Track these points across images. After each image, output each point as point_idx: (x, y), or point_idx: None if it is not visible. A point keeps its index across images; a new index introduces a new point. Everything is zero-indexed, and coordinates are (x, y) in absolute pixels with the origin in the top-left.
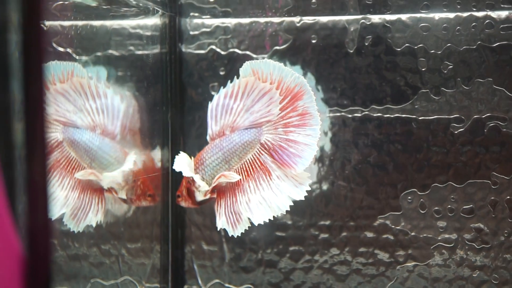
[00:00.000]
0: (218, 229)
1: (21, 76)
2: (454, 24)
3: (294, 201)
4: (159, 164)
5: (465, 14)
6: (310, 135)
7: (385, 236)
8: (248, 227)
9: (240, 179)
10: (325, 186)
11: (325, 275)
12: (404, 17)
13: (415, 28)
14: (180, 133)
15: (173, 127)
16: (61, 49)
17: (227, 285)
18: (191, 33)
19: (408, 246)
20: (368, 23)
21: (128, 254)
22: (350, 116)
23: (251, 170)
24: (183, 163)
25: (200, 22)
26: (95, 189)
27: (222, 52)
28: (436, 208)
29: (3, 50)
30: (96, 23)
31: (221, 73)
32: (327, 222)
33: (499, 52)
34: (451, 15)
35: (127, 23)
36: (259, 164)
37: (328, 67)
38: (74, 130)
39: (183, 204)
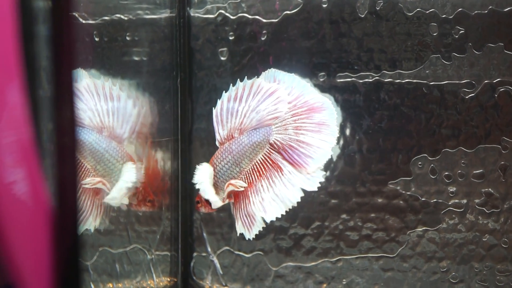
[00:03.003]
0: (238, 234)
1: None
2: None
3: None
4: (162, 163)
5: None
6: (325, 140)
7: (395, 201)
8: (263, 227)
9: (252, 180)
10: (335, 153)
11: (335, 241)
12: None
13: None
14: (188, 99)
15: (182, 92)
16: None
17: (236, 252)
18: None
19: (419, 211)
20: None
21: (137, 222)
22: (361, 81)
23: (263, 169)
24: (203, 177)
25: None
26: (97, 192)
27: (232, 17)
28: (446, 173)
29: (33, 44)
30: None
31: (230, 38)
32: (338, 188)
33: (511, 17)
34: None
35: None
36: (270, 162)
37: (339, 32)
38: (80, 130)
39: (203, 210)
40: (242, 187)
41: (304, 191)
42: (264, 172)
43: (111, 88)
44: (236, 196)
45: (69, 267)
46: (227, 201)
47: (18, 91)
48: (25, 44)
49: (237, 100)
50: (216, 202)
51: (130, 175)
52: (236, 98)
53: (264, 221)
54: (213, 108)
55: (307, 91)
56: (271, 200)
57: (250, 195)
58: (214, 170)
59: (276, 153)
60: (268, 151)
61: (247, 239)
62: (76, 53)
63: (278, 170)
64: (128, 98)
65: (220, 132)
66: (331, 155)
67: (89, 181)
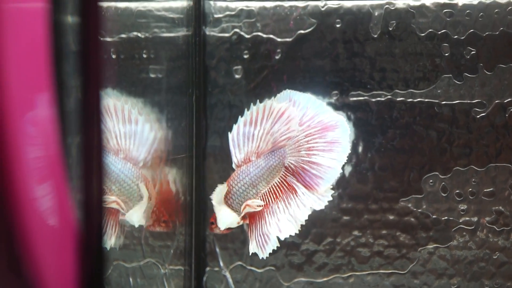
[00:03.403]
0: (250, 254)
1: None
2: (477, 10)
3: None
4: (177, 180)
5: (488, 1)
6: (335, 159)
7: (406, 218)
8: (277, 247)
9: (268, 201)
10: (347, 169)
11: (347, 257)
12: (428, 2)
13: (438, 13)
14: (203, 116)
15: (197, 109)
16: None
17: (249, 267)
18: (215, 16)
19: (430, 228)
20: (392, 8)
21: (151, 237)
22: (373, 100)
23: (279, 192)
24: (221, 199)
25: (224, 5)
26: (112, 212)
27: (246, 36)
28: (457, 191)
29: (63, 60)
30: (121, 4)
31: (245, 56)
32: (349, 205)
33: None
34: (475, 1)
35: (152, 5)
36: (286, 185)
37: (352, 51)
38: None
39: (217, 231)
40: (259, 206)
41: (313, 210)
42: (280, 194)
43: (130, 111)
44: (252, 217)
45: (94, 283)
46: (241, 222)
47: (48, 105)
48: (56, 60)
49: (253, 124)
50: (232, 223)
51: (144, 198)
52: (251, 122)
53: (279, 239)
54: (229, 132)
55: (322, 111)
56: (287, 221)
57: (266, 216)
58: (230, 192)
59: (291, 176)
60: (284, 174)
61: (260, 258)
62: (104, 71)
63: (293, 192)
64: (145, 122)
65: (237, 156)
66: (344, 172)
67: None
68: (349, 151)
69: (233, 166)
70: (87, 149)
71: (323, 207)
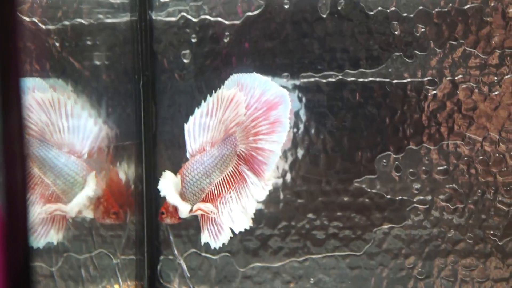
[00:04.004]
0: (202, 244)
1: None
2: None
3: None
4: (126, 168)
5: None
6: (276, 141)
7: (361, 199)
8: (230, 237)
9: (221, 191)
10: (300, 152)
11: (302, 241)
12: None
13: None
14: (152, 102)
15: (145, 96)
16: (26, 18)
17: (203, 254)
18: (162, 0)
19: (384, 208)
20: None
21: (101, 227)
22: (324, 81)
23: (232, 181)
24: (168, 185)
25: None
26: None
27: (194, 19)
28: (411, 170)
29: None
30: None
31: (193, 40)
32: (303, 188)
33: (471, 14)
34: None
35: None
36: (238, 174)
37: (301, 32)
38: (39, 146)
39: (168, 221)
40: (212, 212)
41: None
42: (233, 183)
43: (72, 106)
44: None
45: (20, 277)
46: (195, 213)
47: None
48: None
49: (208, 115)
50: (185, 211)
51: (89, 186)
52: (207, 113)
53: (232, 231)
54: (185, 123)
55: (267, 87)
56: (240, 212)
57: (219, 205)
58: (183, 181)
59: (243, 164)
60: (236, 162)
61: (212, 248)
62: (23, 58)
63: (244, 181)
64: (89, 116)
65: (192, 145)
66: (297, 155)
67: (46, 209)
68: (289, 129)
69: (187, 155)
70: (8, 142)
71: (264, 198)
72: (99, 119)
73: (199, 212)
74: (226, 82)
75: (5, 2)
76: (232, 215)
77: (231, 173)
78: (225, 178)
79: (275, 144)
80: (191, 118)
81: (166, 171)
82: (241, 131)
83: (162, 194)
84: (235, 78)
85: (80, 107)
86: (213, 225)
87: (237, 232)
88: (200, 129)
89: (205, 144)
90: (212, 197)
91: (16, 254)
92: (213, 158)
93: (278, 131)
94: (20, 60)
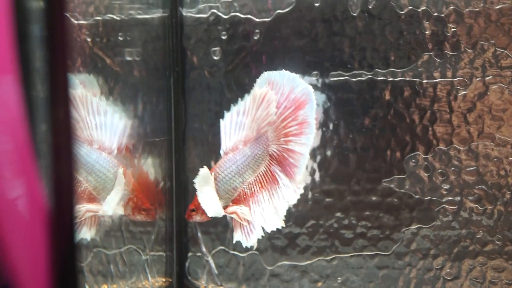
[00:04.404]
0: (234, 242)
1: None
2: None
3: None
4: (155, 173)
5: None
6: (305, 144)
7: (389, 199)
8: (262, 236)
9: (254, 191)
10: (329, 151)
11: (330, 240)
12: None
13: None
14: (182, 99)
15: (175, 92)
16: None
17: (231, 251)
18: None
19: (413, 208)
20: None
21: (131, 223)
22: (354, 79)
23: (264, 181)
24: (204, 182)
25: None
26: (91, 203)
27: (224, 16)
28: (440, 170)
29: (27, 44)
30: None
31: (223, 37)
32: (332, 186)
33: (503, 14)
34: None
35: None
36: (270, 175)
37: (331, 30)
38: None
39: (198, 218)
40: (244, 220)
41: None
42: (265, 184)
43: (98, 103)
44: (237, 205)
45: (66, 270)
46: (230, 214)
47: (14, 90)
48: (20, 44)
49: (245, 114)
50: (219, 210)
51: (119, 183)
52: (244, 112)
53: (264, 231)
54: (221, 119)
55: (295, 84)
56: (272, 213)
57: (251, 205)
58: (216, 179)
59: (275, 165)
60: (269, 162)
61: (244, 246)
62: (71, 54)
63: (276, 182)
64: (114, 111)
65: (227, 143)
66: (326, 153)
67: (86, 209)
68: (315, 131)
69: (221, 152)
70: (56, 135)
71: (295, 201)
72: (124, 115)
73: (234, 216)
74: (258, 80)
75: (56, 3)
76: (264, 215)
77: (264, 173)
78: (257, 178)
79: (304, 147)
80: (227, 116)
81: (204, 167)
82: (273, 131)
83: (198, 190)
84: (265, 76)
85: (105, 103)
86: (245, 224)
87: (269, 231)
88: (236, 127)
89: (239, 143)
90: (244, 196)
91: (63, 249)
92: (245, 157)
93: (306, 132)
94: (68, 56)
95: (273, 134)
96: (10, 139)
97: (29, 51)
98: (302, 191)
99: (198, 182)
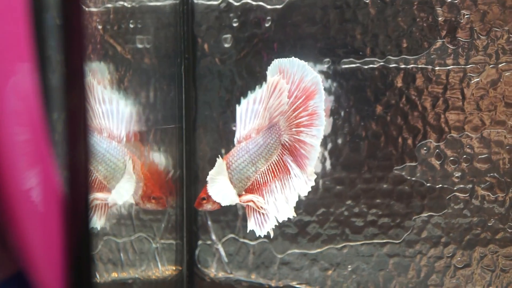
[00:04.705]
0: (248, 231)
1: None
2: None
3: None
4: (165, 160)
5: None
6: (315, 135)
7: (400, 187)
8: (275, 225)
9: (267, 180)
10: (340, 138)
11: (340, 227)
12: None
13: None
14: (192, 86)
15: (186, 79)
16: None
17: (241, 239)
18: None
19: (424, 196)
20: None
21: (141, 211)
22: (366, 67)
23: (277, 170)
24: (219, 171)
25: None
26: (101, 191)
27: (235, 3)
28: (451, 158)
29: (43, 32)
30: None
31: (234, 24)
32: (343, 174)
33: None
34: None
35: None
36: (282, 164)
37: (343, 17)
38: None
39: (209, 207)
40: (262, 208)
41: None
42: (278, 173)
43: (103, 91)
44: (250, 194)
45: (80, 258)
46: (246, 203)
47: (31, 79)
48: (37, 33)
49: (261, 102)
50: (233, 201)
51: (129, 171)
52: (260, 100)
53: (277, 220)
54: (237, 105)
55: (305, 73)
56: (284, 203)
57: (265, 194)
58: (229, 168)
59: (287, 155)
60: (281, 151)
61: (257, 235)
62: (86, 42)
63: (287, 172)
64: (119, 99)
65: (241, 131)
66: (336, 141)
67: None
68: (325, 123)
69: (235, 141)
70: (72, 124)
71: (306, 194)
72: (130, 102)
73: (250, 204)
74: (269, 68)
75: None
76: (277, 204)
77: (276, 162)
78: (270, 167)
79: (314, 139)
80: (243, 103)
81: (219, 157)
82: (284, 121)
83: (210, 183)
84: (276, 63)
85: (110, 91)
86: (259, 214)
87: (281, 220)
88: (252, 115)
89: (252, 131)
90: (258, 186)
91: (77, 237)
92: (258, 146)
93: (316, 124)
94: (84, 44)
95: (285, 124)
96: (27, 129)
97: (45, 40)
98: (313, 183)
99: (213, 173)
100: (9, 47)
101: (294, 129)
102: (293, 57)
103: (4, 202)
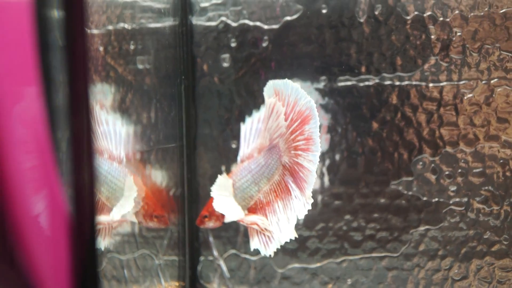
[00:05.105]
0: (252, 250)
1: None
2: None
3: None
4: (167, 179)
5: None
6: (312, 161)
7: (398, 201)
8: (281, 246)
9: (270, 200)
10: (338, 154)
11: (339, 242)
12: None
13: None
14: (192, 106)
15: (186, 99)
16: None
17: (243, 255)
18: (202, 5)
19: (421, 210)
20: None
21: (144, 228)
22: (361, 84)
23: (279, 191)
24: (223, 189)
25: None
26: (104, 213)
27: (233, 24)
28: (447, 172)
29: (48, 54)
30: None
31: (232, 44)
32: (340, 189)
33: (507, 18)
34: None
35: None
36: (283, 185)
37: (338, 36)
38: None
39: (210, 224)
40: (266, 230)
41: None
42: (280, 193)
43: (98, 113)
44: (253, 213)
45: (87, 277)
46: (250, 225)
47: (37, 103)
48: (42, 54)
49: (261, 122)
50: (240, 217)
51: (129, 190)
52: (261, 119)
53: (281, 241)
54: (242, 123)
55: (299, 96)
56: (286, 223)
57: (268, 214)
58: (233, 186)
59: (288, 175)
60: (282, 172)
61: (263, 255)
62: (91, 64)
63: (289, 193)
64: (115, 119)
65: (245, 150)
66: (334, 157)
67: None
68: (320, 150)
69: (238, 159)
70: (78, 146)
71: (303, 217)
72: (126, 122)
73: (254, 227)
74: (265, 89)
75: (76, 14)
76: (280, 225)
77: (278, 182)
78: (272, 187)
79: (311, 164)
80: (248, 120)
81: (223, 174)
82: (284, 143)
83: (216, 198)
84: (271, 84)
85: (107, 112)
86: (263, 234)
87: (283, 242)
88: (255, 134)
89: (254, 151)
90: (261, 205)
91: (83, 258)
92: (260, 167)
93: (313, 150)
94: (88, 66)
95: (284, 146)
96: (34, 155)
97: (50, 61)
98: (310, 207)
99: (215, 188)
100: (16, 72)
101: (292, 152)
102: (286, 79)
103: (13, 228)
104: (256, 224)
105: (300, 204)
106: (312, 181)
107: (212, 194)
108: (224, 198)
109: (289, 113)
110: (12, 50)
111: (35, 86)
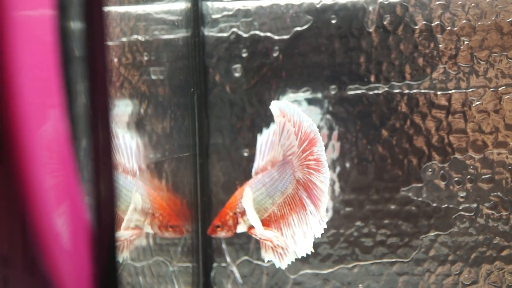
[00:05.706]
0: (266, 261)
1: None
2: (469, 1)
3: None
4: (181, 188)
5: None
6: (323, 182)
7: (408, 207)
8: (296, 259)
9: (284, 213)
10: (348, 162)
11: (350, 248)
12: None
13: (431, 6)
14: (205, 115)
15: (199, 108)
16: None
17: (255, 261)
18: (213, 16)
19: (431, 216)
20: (386, 2)
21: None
22: (371, 93)
23: (293, 204)
24: (250, 202)
25: (221, 5)
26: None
27: (244, 35)
28: (456, 178)
29: (69, 69)
30: (121, 9)
31: (244, 55)
32: (351, 196)
33: None
34: None
35: (151, 9)
36: (298, 199)
37: (348, 46)
38: None
39: (222, 234)
40: (278, 247)
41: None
42: (294, 207)
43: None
44: (267, 226)
45: (107, 286)
46: (264, 240)
47: (61, 123)
48: (63, 66)
49: (275, 135)
50: (260, 229)
51: (133, 202)
52: (275, 133)
53: (296, 254)
54: (259, 134)
55: (301, 119)
56: (302, 237)
57: (282, 227)
58: None
59: (303, 191)
60: (296, 187)
61: (277, 267)
62: (110, 76)
63: (303, 208)
64: (124, 133)
65: (259, 162)
66: (344, 164)
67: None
68: (329, 173)
69: (253, 172)
70: (98, 157)
71: (319, 236)
72: (141, 133)
73: (268, 243)
74: (271, 108)
75: (96, 26)
76: (295, 238)
77: (292, 196)
78: (286, 200)
79: (323, 185)
80: (265, 132)
81: (246, 187)
82: (297, 160)
83: (248, 210)
84: (275, 105)
85: (120, 126)
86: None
87: (299, 256)
88: (271, 147)
89: (268, 163)
90: (275, 218)
91: (104, 267)
92: (273, 180)
93: (323, 172)
94: (109, 78)
95: (297, 163)
96: (58, 174)
97: (72, 74)
98: (326, 226)
99: (247, 201)
100: (42, 95)
101: (305, 169)
102: (287, 101)
103: (37, 240)
104: (270, 241)
105: (315, 220)
106: (325, 201)
107: (244, 206)
108: (253, 211)
109: (297, 132)
110: (37, 65)
111: (60, 102)
